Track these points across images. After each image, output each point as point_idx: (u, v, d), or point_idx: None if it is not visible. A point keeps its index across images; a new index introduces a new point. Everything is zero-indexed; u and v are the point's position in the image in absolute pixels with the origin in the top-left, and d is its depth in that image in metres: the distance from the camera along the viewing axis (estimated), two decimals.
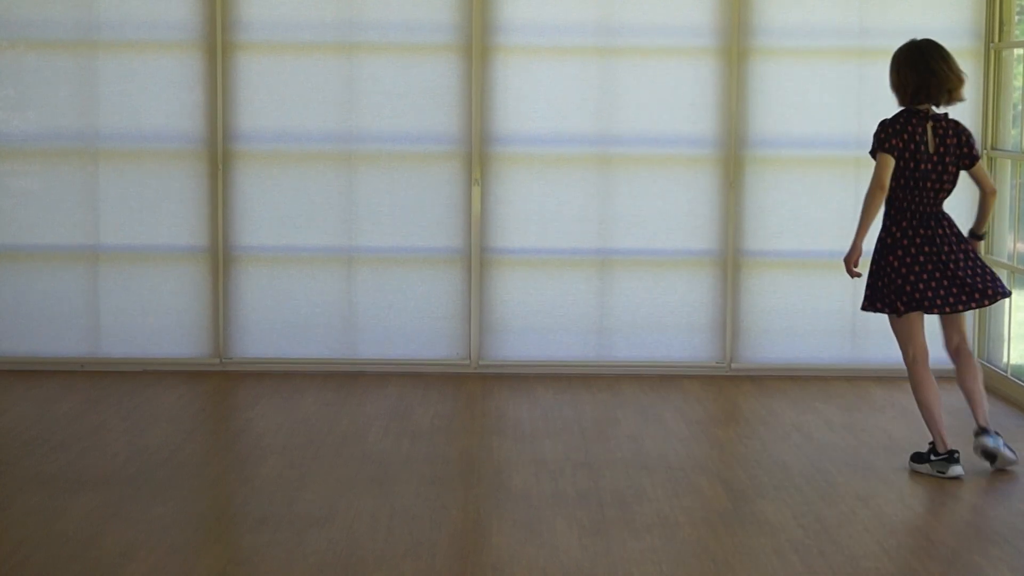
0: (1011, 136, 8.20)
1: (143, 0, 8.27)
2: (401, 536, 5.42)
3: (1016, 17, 8.18)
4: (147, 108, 8.31)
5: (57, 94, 8.32)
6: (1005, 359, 8.06)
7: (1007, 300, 7.97)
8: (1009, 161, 8.16)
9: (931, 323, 6.57)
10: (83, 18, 8.27)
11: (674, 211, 8.40)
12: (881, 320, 6.69)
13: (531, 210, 8.40)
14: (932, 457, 6.30)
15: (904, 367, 6.43)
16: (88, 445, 6.71)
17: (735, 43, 8.28)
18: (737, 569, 5.14)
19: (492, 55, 8.31)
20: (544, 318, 8.43)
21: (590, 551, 5.28)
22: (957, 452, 6.28)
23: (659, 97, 8.34)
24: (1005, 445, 6.34)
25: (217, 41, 8.26)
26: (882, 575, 5.09)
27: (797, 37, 8.32)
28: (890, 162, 6.22)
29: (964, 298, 6.25)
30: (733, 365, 8.43)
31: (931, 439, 6.35)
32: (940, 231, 6.28)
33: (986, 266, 6.37)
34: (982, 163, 6.40)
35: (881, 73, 6.50)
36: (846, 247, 6.41)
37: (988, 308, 8.18)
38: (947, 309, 6.25)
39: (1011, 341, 8.05)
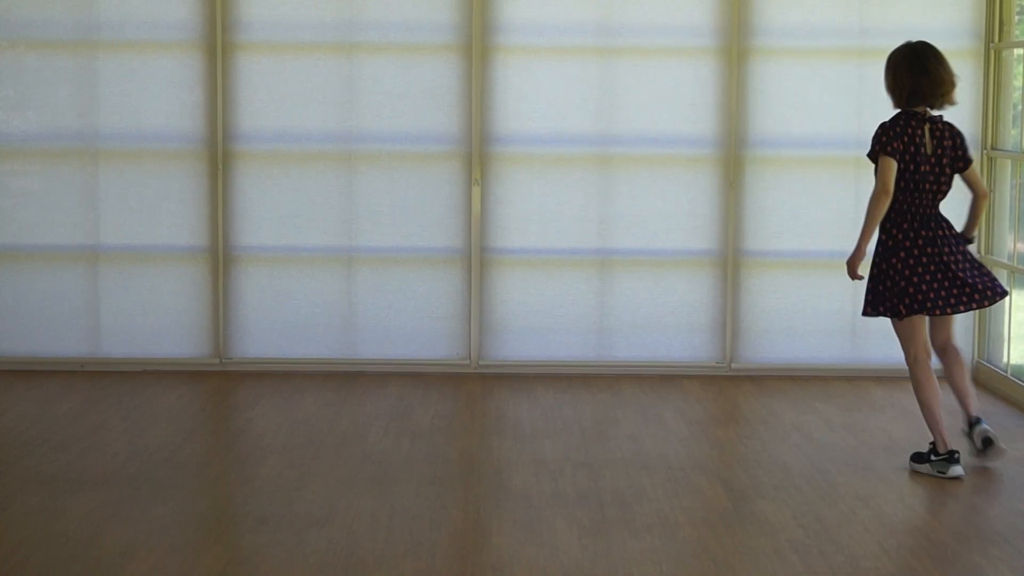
0: (1011, 136, 8.20)
1: (143, 0, 8.27)
2: (401, 536, 5.42)
3: (1016, 17, 8.18)
4: (147, 108, 8.31)
5: (57, 94, 8.32)
6: (1005, 359, 8.06)
7: (1007, 300, 7.98)
8: (1009, 161, 8.16)
9: None
10: (83, 18, 8.27)
11: (674, 211, 8.40)
12: (881, 320, 6.69)
13: (531, 210, 8.40)
14: (932, 457, 6.30)
15: (905, 367, 6.44)
16: (88, 445, 6.71)
17: (735, 43, 8.28)
18: (737, 569, 5.14)
19: (492, 55, 8.31)
20: (544, 318, 8.43)
21: (590, 551, 5.28)
22: (957, 452, 6.28)
23: (659, 97, 8.34)
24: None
25: (217, 41, 8.26)
26: (882, 575, 5.10)
27: (797, 37, 8.32)
28: (893, 166, 6.22)
29: (964, 299, 6.26)
30: (733, 365, 8.43)
31: (931, 439, 6.35)
32: (940, 232, 6.29)
33: (983, 266, 6.40)
34: (975, 166, 6.41)
35: (881, 73, 6.49)
36: (846, 247, 6.41)
37: (988, 308, 8.18)
38: (948, 310, 6.25)
39: (1011, 341, 8.05)
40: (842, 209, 8.31)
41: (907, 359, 6.36)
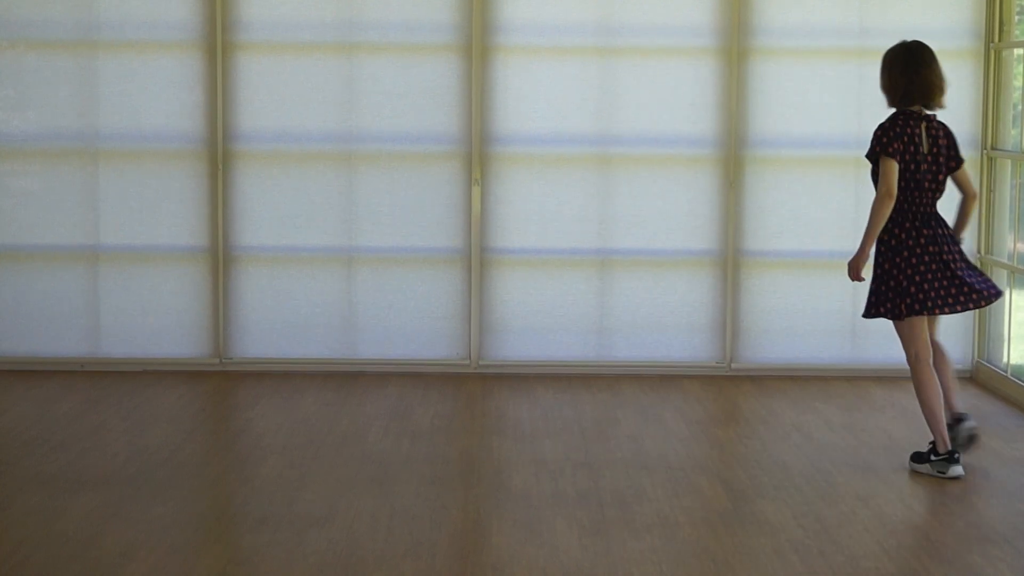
0: (1011, 136, 8.20)
1: (143, 0, 8.27)
2: (401, 536, 5.42)
3: (1016, 17, 8.18)
4: (147, 108, 8.31)
5: (57, 94, 8.32)
6: (1005, 359, 8.06)
7: (1007, 300, 7.99)
8: (1009, 161, 8.16)
9: None
10: (83, 18, 8.27)
11: (674, 211, 8.40)
12: (882, 320, 6.68)
13: (531, 210, 8.40)
14: (932, 457, 6.30)
15: (905, 367, 6.44)
16: (88, 445, 6.71)
17: (735, 43, 8.28)
18: (737, 569, 5.14)
19: (492, 55, 8.31)
20: (544, 318, 8.43)
21: (590, 551, 5.28)
22: (958, 452, 6.28)
23: (659, 97, 8.34)
24: None
25: (217, 41, 8.26)
26: (882, 575, 5.10)
27: (797, 37, 8.32)
28: (895, 167, 6.23)
29: (962, 298, 6.27)
30: (733, 365, 8.43)
31: (931, 439, 6.35)
32: (940, 231, 6.30)
33: (975, 266, 6.43)
34: (966, 167, 6.42)
35: None
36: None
37: (988, 308, 8.19)
38: (946, 310, 6.26)
39: (1011, 341, 8.05)
40: (842, 209, 8.31)
41: (908, 358, 6.36)
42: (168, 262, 8.40)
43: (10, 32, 8.30)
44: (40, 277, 8.39)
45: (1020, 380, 7.80)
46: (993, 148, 8.24)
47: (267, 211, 8.37)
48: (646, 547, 5.32)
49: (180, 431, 7.06)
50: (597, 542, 5.37)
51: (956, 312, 6.30)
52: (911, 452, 6.47)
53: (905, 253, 6.27)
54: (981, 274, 6.38)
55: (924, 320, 6.33)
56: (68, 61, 8.30)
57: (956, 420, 6.44)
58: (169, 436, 6.91)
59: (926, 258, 6.25)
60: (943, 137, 6.33)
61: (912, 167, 6.26)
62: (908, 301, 6.24)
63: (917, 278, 6.24)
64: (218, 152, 8.31)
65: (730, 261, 8.39)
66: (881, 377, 8.28)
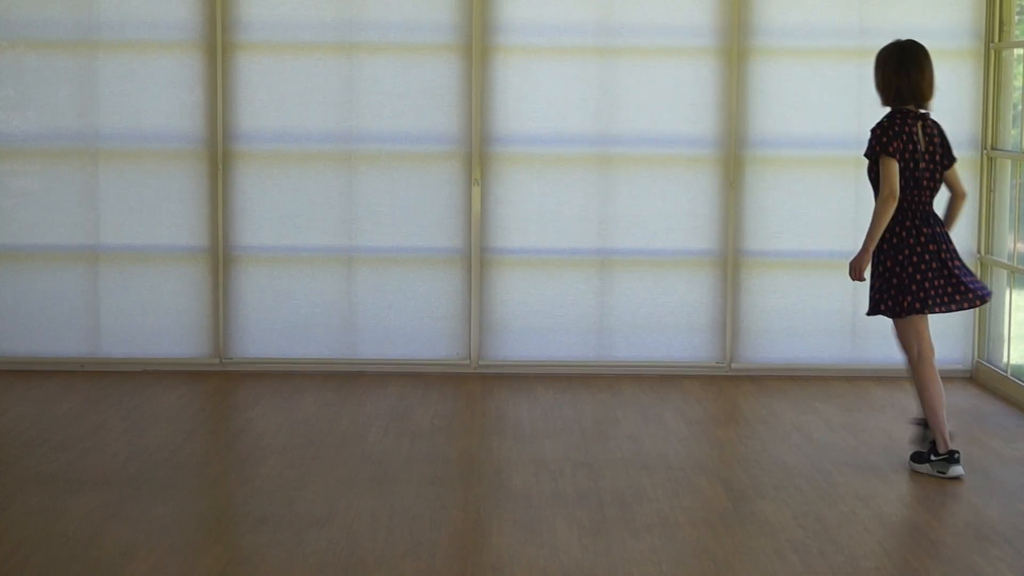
0: (1011, 136, 8.20)
1: (143, 0, 8.27)
2: (401, 536, 5.42)
3: (1016, 17, 8.18)
4: (147, 108, 8.31)
5: (57, 94, 8.32)
6: (1005, 359, 8.06)
7: (1007, 301, 8.00)
8: (1009, 161, 8.16)
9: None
10: (83, 18, 8.27)
11: (674, 211, 8.40)
12: (881, 320, 6.69)
13: (531, 210, 8.40)
14: (932, 457, 6.30)
15: (905, 366, 6.43)
16: (88, 445, 6.71)
17: (735, 43, 8.27)
18: (737, 569, 5.14)
19: (492, 55, 8.31)
20: (544, 318, 8.43)
21: (590, 551, 5.28)
22: (958, 452, 6.28)
23: (659, 97, 8.34)
24: None
25: (217, 41, 8.26)
26: (882, 575, 5.10)
27: (797, 37, 8.32)
28: (896, 167, 6.23)
29: (958, 297, 6.29)
30: (733, 365, 8.43)
31: (931, 439, 6.35)
32: (938, 229, 6.32)
33: (967, 266, 6.44)
34: (956, 166, 6.43)
35: None
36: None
37: (988, 308, 8.20)
38: (942, 308, 6.27)
39: (1011, 341, 8.05)
40: (842, 209, 8.31)
41: (910, 357, 6.36)
42: (168, 262, 8.40)
43: (10, 32, 8.30)
44: (40, 277, 8.39)
45: (1020, 380, 7.80)
46: (993, 148, 8.24)
47: (267, 211, 8.37)
48: (646, 547, 5.32)
49: (180, 431, 7.06)
50: (597, 542, 5.37)
51: (951, 311, 6.31)
52: (911, 452, 6.47)
53: (906, 251, 6.27)
54: (971, 273, 6.40)
55: (926, 318, 6.34)
56: (68, 61, 8.30)
57: (920, 424, 6.46)
58: (169, 436, 6.91)
59: (927, 256, 6.25)
60: (937, 136, 6.35)
61: (911, 166, 6.26)
62: (910, 300, 6.24)
63: (918, 276, 6.24)
64: (218, 152, 8.31)
65: (730, 261, 8.39)
66: (881, 377, 8.28)
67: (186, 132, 8.32)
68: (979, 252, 8.27)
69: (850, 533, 5.51)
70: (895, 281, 6.29)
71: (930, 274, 6.25)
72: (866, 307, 6.59)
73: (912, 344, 6.34)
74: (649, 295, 8.42)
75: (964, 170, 8.09)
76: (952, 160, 6.38)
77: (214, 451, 6.85)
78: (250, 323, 8.41)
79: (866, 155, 6.33)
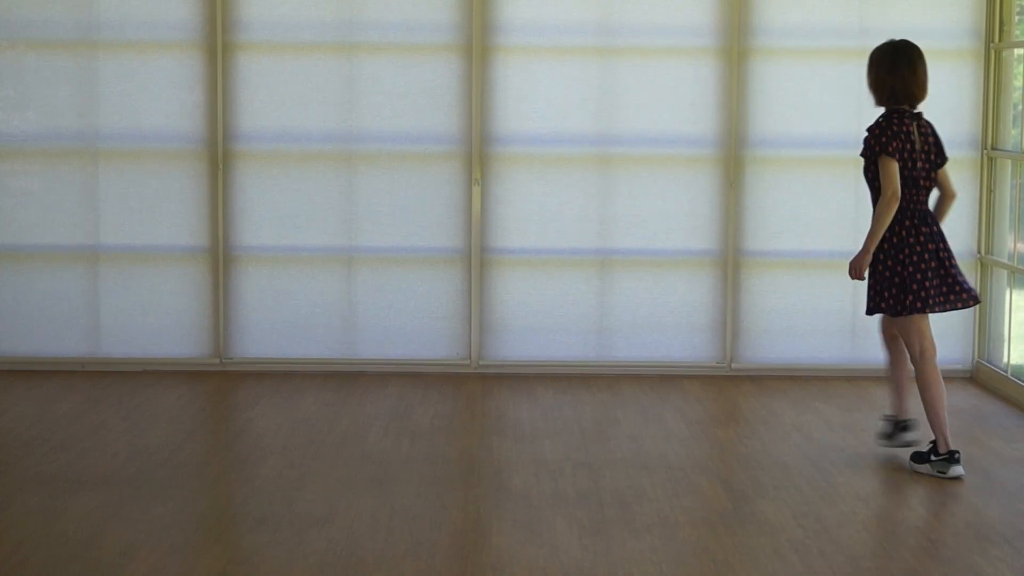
0: (1011, 136, 8.20)
1: (143, 0, 8.27)
2: (401, 536, 5.42)
3: (1016, 17, 8.17)
4: (147, 108, 8.31)
5: (57, 94, 8.32)
6: (1005, 359, 8.06)
7: (1007, 301, 8.00)
8: (1009, 161, 8.16)
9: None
10: (83, 18, 8.27)
11: (674, 211, 8.40)
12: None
13: (531, 210, 8.40)
14: (933, 457, 6.30)
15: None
16: (88, 445, 6.71)
17: (735, 43, 8.27)
18: (737, 569, 5.14)
19: (492, 55, 8.31)
20: (544, 318, 8.43)
21: (590, 551, 5.28)
22: (958, 452, 6.28)
23: (659, 97, 8.34)
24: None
25: (217, 41, 8.26)
26: (882, 575, 5.09)
27: (797, 37, 8.32)
28: (896, 167, 6.23)
29: (952, 297, 6.31)
30: (733, 365, 8.43)
31: (932, 439, 6.35)
32: (935, 228, 6.33)
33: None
34: (947, 167, 6.44)
35: None
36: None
37: (988, 308, 8.20)
38: (937, 308, 6.28)
39: (1011, 341, 8.05)
40: (842, 209, 8.31)
41: (912, 356, 6.36)
42: (168, 262, 8.40)
43: (10, 32, 8.30)
44: (40, 277, 8.39)
45: (1020, 380, 7.80)
46: (993, 148, 8.24)
47: (267, 211, 8.37)
48: (646, 547, 5.32)
49: (180, 431, 7.06)
50: (597, 542, 5.37)
51: (946, 310, 6.33)
52: (911, 452, 6.47)
53: (907, 251, 6.27)
54: (963, 273, 6.42)
55: (927, 317, 6.34)
56: (68, 61, 8.30)
57: (899, 424, 6.49)
58: (169, 436, 6.91)
59: (926, 256, 6.26)
60: (931, 135, 6.36)
61: (909, 165, 6.27)
62: (911, 299, 6.25)
63: (919, 276, 6.24)
64: (218, 152, 8.31)
65: (730, 261, 8.39)
66: (881, 377, 8.25)
67: (186, 132, 8.32)
68: (979, 252, 8.27)
69: (850, 533, 5.51)
70: (897, 280, 6.29)
71: (930, 273, 6.25)
72: (865, 307, 6.58)
73: (914, 342, 6.34)
74: (649, 295, 8.42)
75: (964, 170, 8.13)
76: (944, 160, 6.38)
77: (214, 451, 6.85)
78: (250, 323, 8.41)
79: (862, 155, 6.34)
